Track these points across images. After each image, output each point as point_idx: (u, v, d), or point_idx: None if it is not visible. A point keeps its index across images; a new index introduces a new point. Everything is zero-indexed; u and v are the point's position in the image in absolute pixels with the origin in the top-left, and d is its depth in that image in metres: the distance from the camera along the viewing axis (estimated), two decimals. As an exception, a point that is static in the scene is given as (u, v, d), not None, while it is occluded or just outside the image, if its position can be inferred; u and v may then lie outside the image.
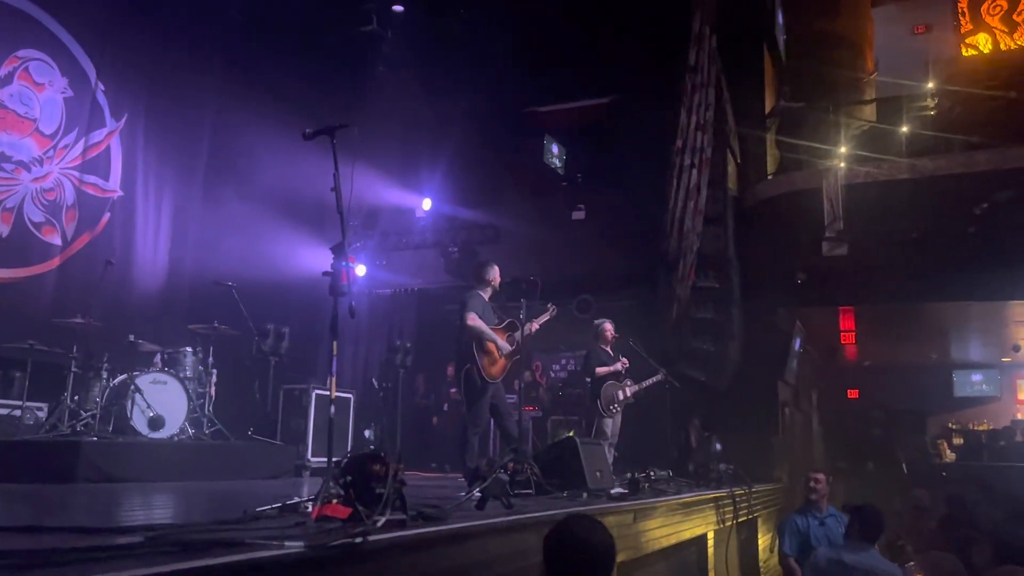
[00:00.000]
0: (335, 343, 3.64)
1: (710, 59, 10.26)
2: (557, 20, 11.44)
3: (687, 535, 6.13)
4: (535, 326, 6.26)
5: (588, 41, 11.41)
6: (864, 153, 10.27)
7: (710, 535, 6.72)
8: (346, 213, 3.73)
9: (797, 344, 12.12)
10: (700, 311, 10.16)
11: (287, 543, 2.13)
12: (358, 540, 2.32)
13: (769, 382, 10.84)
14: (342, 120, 3.93)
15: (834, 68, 11.60)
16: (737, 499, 7.42)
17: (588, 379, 7.89)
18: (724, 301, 10.24)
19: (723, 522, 7.02)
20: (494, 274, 6.25)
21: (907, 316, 12.70)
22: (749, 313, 10.41)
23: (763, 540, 9.00)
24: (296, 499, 3.38)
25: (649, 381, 7.97)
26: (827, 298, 11.32)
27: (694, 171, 10.21)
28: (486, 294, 6.15)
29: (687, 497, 6.15)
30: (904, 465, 13.91)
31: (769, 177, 11.11)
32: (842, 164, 10.10)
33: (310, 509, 3.00)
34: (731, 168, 10.80)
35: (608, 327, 8.01)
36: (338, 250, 3.69)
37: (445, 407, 11.94)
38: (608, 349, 7.98)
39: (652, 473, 7.52)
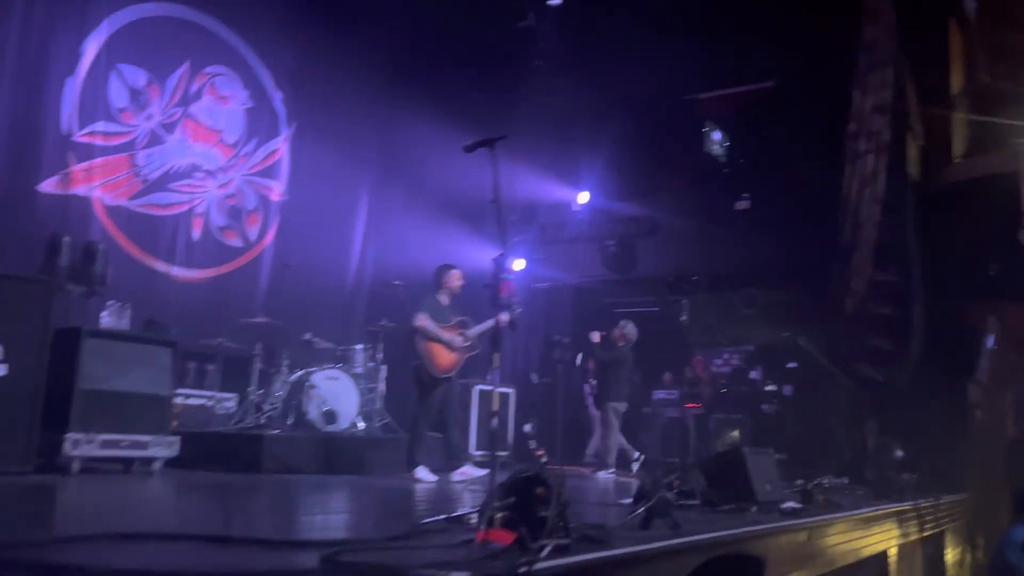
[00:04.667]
0: (495, 356, 3.65)
1: (888, 35, 9.51)
2: (716, 3, 11.00)
3: (867, 552, 5.74)
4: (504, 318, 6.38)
5: (750, 22, 10.88)
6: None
7: (892, 551, 6.27)
8: (506, 219, 3.74)
9: (990, 341, 11.07)
10: (878, 306, 9.47)
11: (454, 573, 2.14)
12: (523, 570, 2.29)
13: (957, 382, 9.96)
14: (500, 124, 3.95)
15: (1034, 35, 10.43)
16: (922, 512, 6.87)
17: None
18: (904, 295, 9.50)
19: (907, 537, 6.53)
20: (449, 278, 6.81)
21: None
22: (934, 308, 9.60)
23: (951, 555, 8.31)
24: (461, 510, 3.42)
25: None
26: (1026, 291, 10.25)
27: (871, 156, 9.51)
28: (442, 296, 6.73)
29: (867, 512, 5.75)
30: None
31: (957, 161, 10.18)
32: (1044, 143, 9.10)
33: (474, 522, 3.03)
34: (913, 152, 9.98)
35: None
36: (499, 261, 3.70)
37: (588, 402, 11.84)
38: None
39: (826, 481, 7.12)
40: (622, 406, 8.51)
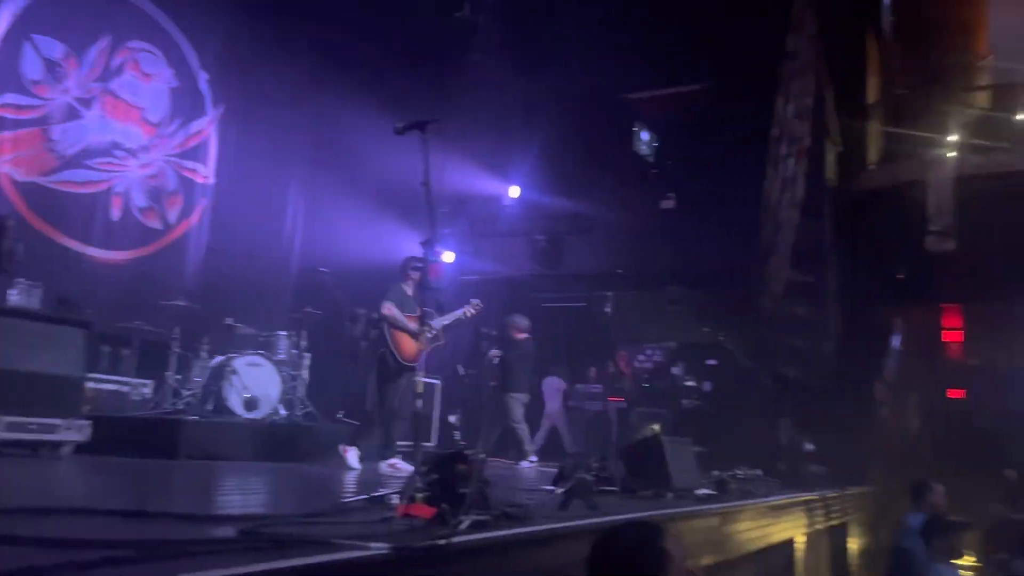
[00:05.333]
0: (424, 339, 3.66)
1: (810, 45, 9.87)
2: (650, 5, 11.21)
3: (775, 539, 5.96)
4: (470, 310, 6.99)
5: (682, 27, 11.13)
6: (977, 142, 9.72)
7: (800, 539, 6.53)
8: (436, 204, 3.75)
9: (896, 342, 11.61)
10: (794, 306, 9.84)
11: (373, 544, 2.15)
12: (442, 542, 2.33)
13: (865, 381, 10.43)
14: (432, 112, 3.94)
15: (945, 52, 10.99)
16: (829, 502, 7.18)
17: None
18: (819, 296, 9.90)
19: (814, 526, 6.81)
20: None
21: (1018, 316, 11.99)
22: (846, 309, 10.02)
23: (854, 544, 8.69)
24: (383, 491, 3.43)
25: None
26: (930, 295, 10.80)
27: (791, 161, 9.86)
28: (407, 286, 6.66)
29: (776, 500, 5.98)
30: (1007, 472, 13.16)
31: (871, 168, 10.64)
32: (951, 154, 9.58)
33: (395, 503, 3.05)
34: (831, 158, 10.39)
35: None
36: (427, 245, 3.72)
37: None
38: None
39: (740, 472, 7.36)
40: (524, 397, 8.59)
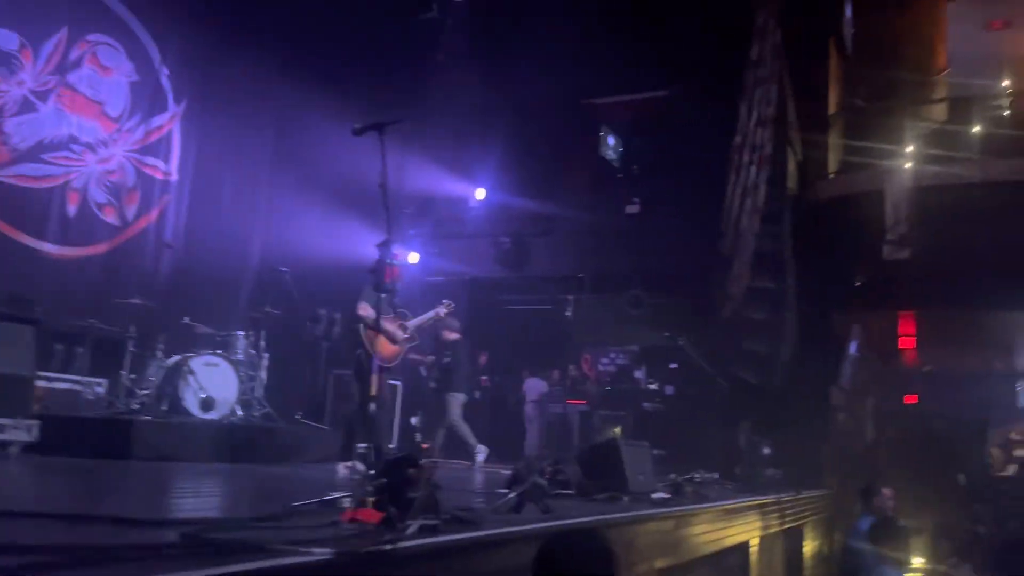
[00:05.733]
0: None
1: (773, 54, 10.00)
2: (617, 11, 11.29)
3: (730, 542, 6.01)
4: (443, 311, 7.04)
5: (648, 33, 11.22)
6: (933, 152, 9.92)
7: (754, 542, 6.59)
8: (395, 207, 3.74)
9: (853, 348, 11.80)
10: (754, 311, 9.94)
11: (315, 549, 2.13)
12: (388, 547, 2.31)
13: (822, 386, 10.57)
14: (398, 113, 3.92)
15: (903, 65, 11.22)
16: (784, 506, 7.26)
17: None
18: (778, 302, 10.01)
19: (768, 529, 6.88)
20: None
21: (971, 323, 12.26)
22: (804, 315, 10.16)
23: (809, 548, 8.80)
24: (335, 495, 3.40)
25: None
26: (887, 302, 10.99)
27: (753, 168, 9.97)
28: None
29: (731, 503, 6.03)
30: (961, 476, 13.45)
31: (831, 176, 10.81)
32: (908, 165, 9.77)
33: (347, 505, 3.03)
34: (791, 166, 10.53)
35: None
36: (383, 247, 3.70)
37: (477, 395, 11.93)
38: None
39: (697, 476, 7.43)
40: (462, 396, 8.63)
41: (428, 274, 13.06)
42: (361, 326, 6.37)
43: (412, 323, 6.75)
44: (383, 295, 3.60)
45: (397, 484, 2.77)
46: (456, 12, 12.04)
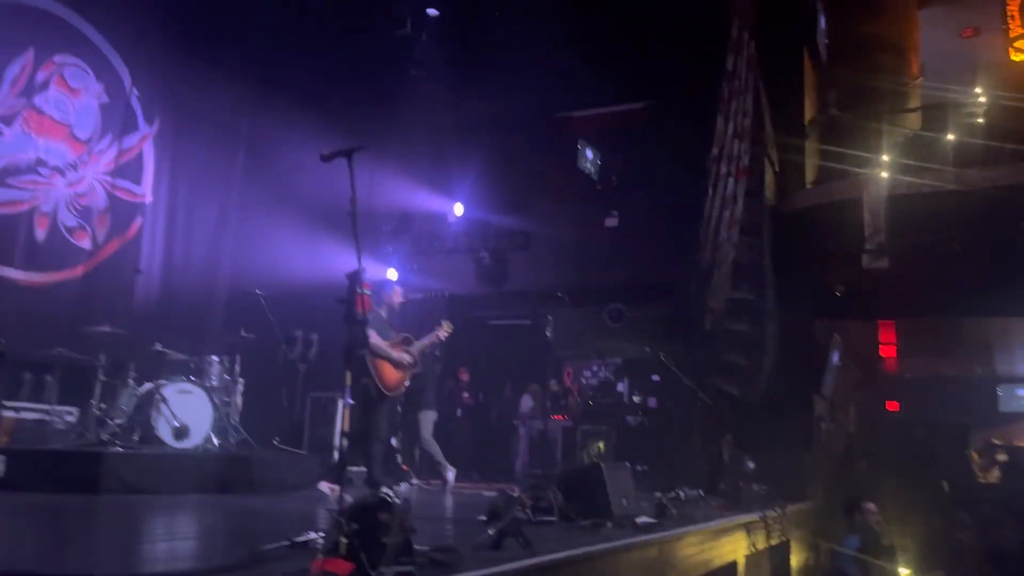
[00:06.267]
0: (348, 373, 3.54)
1: (748, 65, 10.02)
2: (592, 24, 11.27)
3: (717, 563, 5.93)
4: (443, 332, 6.86)
5: (623, 46, 11.21)
6: (908, 162, 9.95)
7: (741, 561, 6.51)
8: (368, 230, 3.63)
9: (835, 357, 11.79)
10: (734, 323, 9.91)
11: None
12: (358, 602, 2.20)
13: (804, 396, 10.54)
14: (368, 132, 3.86)
15: (878, 74, 11.26)
16: (770, 522, 7.18)
17: None
18: (759, 313, 9.98)
19: (755, 547, 6.80)
20: (391, 293, 6.86)
21: (950, 329, 12.32)
22: (785, 326, 10.13)
23: (796, 561, 8.74)
24: (307, 535, 3.28)
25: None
26: (867, 311, 11.01)
27: (730, 180, 9.98)
28: (384, 311, 6.68)
29: (717, 524, 5.95)
30: (944, 483, 13.47)
31: (808, 186, 10.82)
32: (884, 174, 9.79)
33: (320, 545, 2.91)
34: (769, 177, 10.54)
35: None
36: (354, 277, 3.60)
37: (459, 412, 11.83)
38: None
39: (681, 493, 7.34)
40: (433, 414, 8.57)
41: (407, 291, 12.91)
42: (367, 354, 6.19)
43: (416, 347, 6.65)
44: (354, 325, 3.48)
45: (369, 530, 2.66)
46: (430, 28, 11.97)
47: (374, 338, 6.29)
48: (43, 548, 3.67)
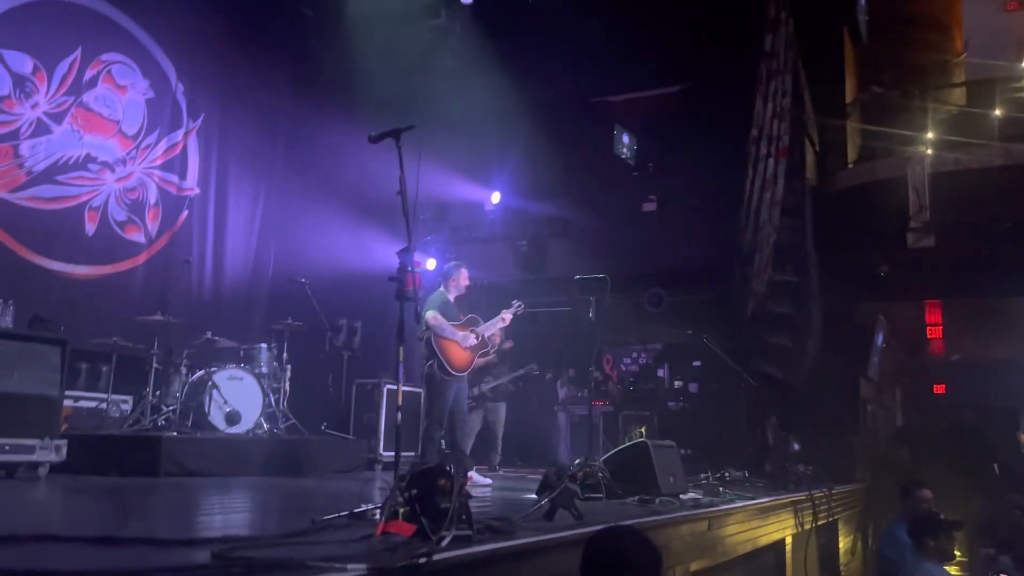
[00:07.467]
0: (401, 349, 3.61)
1: (786, 45, 9.89)
2: (626, 7, 11.20)
3: (764, 541, 5.94)
4: (508, 316, 6.74)
5: (659, 29, 11.12)
6: (953, 138, 9.76)
7: (788, 540, 6.50)
8: (414, 211, 3.70)
9: (879, 339, 11.65)
10: (777, 306, 9.82)
11: (350, 565, 2.09)
12: (422, 560, 2.27)
13: (850, 378, 10.45)
14: (408, 120, 3.90)
15: (920, 50, 11.07)
16: (816, 502, 7.15)
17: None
18: (802, 295, 9.89)
19: (802, 526, 6.78)
20: (459, 276, 6.70)
21: (998, 310, 12.06)
22: (828, 308, 10.03)
23: (844, 543, 8.69)
24: (364, 507, 3.36)
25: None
26: (912, 292, 10.83)
27: (770, 161, 9.87)
28: (451, 294, 6.60)
29: (764, 502, 5.95)
30: (996, 466, 13.23)
31: (850, 166, 10.67)
32: (929, 151, 9.63)
33: (377, 518, 2.98)
34: (809, 157, 10.41)
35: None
36: (404, 255, 3.66)
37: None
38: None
39: (727, 474, 7.34)
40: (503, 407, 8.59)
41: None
42: (432, 335, 6.21)
43: (482, 329, 6.53)
44: (405, 303, 3.54)
45: (427, 495, 2.73)
46: (464, 17, 12.01)
47: (437, 319, 6.22)
48: (106, 518, 3.82)
